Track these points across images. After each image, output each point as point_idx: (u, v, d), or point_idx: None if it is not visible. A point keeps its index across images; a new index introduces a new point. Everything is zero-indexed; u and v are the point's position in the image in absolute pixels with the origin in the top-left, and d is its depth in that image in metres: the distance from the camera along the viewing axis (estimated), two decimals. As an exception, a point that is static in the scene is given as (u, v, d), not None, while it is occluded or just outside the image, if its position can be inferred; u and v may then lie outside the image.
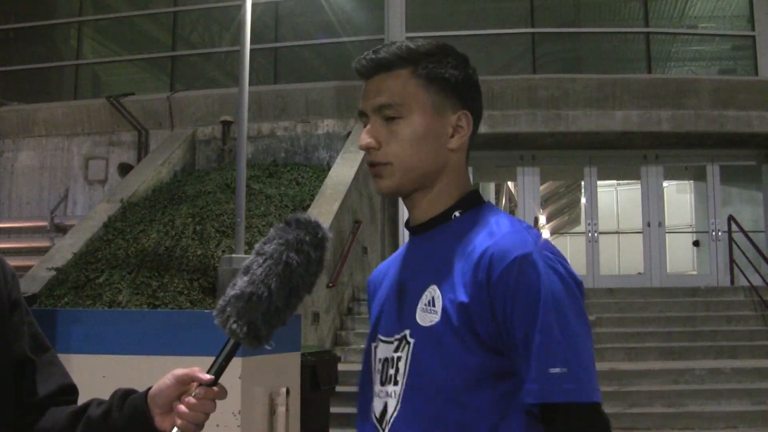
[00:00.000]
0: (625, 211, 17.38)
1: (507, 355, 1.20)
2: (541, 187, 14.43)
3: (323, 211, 9.03)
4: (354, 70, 1.35)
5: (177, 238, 9.03)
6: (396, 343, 1.30)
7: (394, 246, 11.60)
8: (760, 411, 7.22)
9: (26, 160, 13.03)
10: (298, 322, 5.67)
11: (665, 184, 12.92)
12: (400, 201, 1.37)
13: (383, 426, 1.30)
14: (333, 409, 6.14)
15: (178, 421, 1.22)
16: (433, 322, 1.24)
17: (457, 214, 1.33)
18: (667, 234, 12.07)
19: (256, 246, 1.23)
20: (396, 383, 1.28)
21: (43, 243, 11.82)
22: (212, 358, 1.24)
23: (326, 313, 8.72)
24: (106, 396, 1.33)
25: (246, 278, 1.20)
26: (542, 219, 17.73)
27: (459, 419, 1.20)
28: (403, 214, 11.41)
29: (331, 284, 8.75)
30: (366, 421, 1.35)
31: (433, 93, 1.31)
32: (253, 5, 9.04)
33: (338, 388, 6.28)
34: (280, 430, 4.22)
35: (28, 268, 9.39)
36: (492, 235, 1.25)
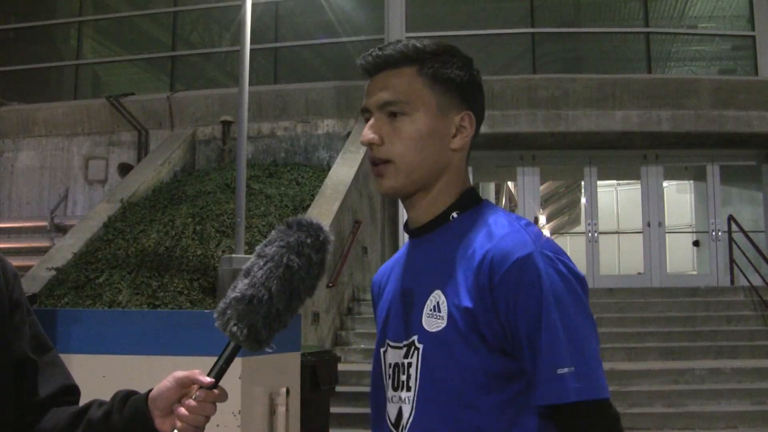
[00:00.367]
0: (625, 211, 17.38)
1: (514, 356, 1.21)
2: (541, 187, 14.43)
3: (323, 211, 9.03)
4: (359, 67, 1.35)
5: (177, 238, 9.03)
6: (405, 348, 1.31)
7: (394, 246, 11.60)
8: (760, 411, 7.22)
9: (26, 160, 13.03)
10: (298, 322, 5.67)
11: (665, 184, 12.92)
12: (399, 198, 1.37)
13: (399, 431, 1.30)
14: (333, 409, 6.13)
15: (178, 424, 1.22)
16: (439, 328, 1.25)
17: (455, 215, 1.33)
18: (667, 234, 12.07)
19: (257, 248, 1.23)
20: (409, 389, 1.29)
21: (43, 243, 11.82)
22: (212, 359, 1.23)
23: (326, 313, 8.72)
24: (106, 396, 1.33)
25: (247, 281, 1.19)
26: (542, 219, 17.73)
27: (474, 422, 1.21)
28: (404, 214, 11.39)
29: (331, 284, 8.75)
30: (381, 426, 1.36)
31: (438, 92, 1.31)
32: (253, 5, 9.04)
33: (338, 388, 6.28)
34: (280, 430, 4.22)
35: (28, 268, 9.39)
36: (491, 236, 1.26)
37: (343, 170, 10.19)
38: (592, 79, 11.34)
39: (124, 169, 12.24)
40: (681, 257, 14.91)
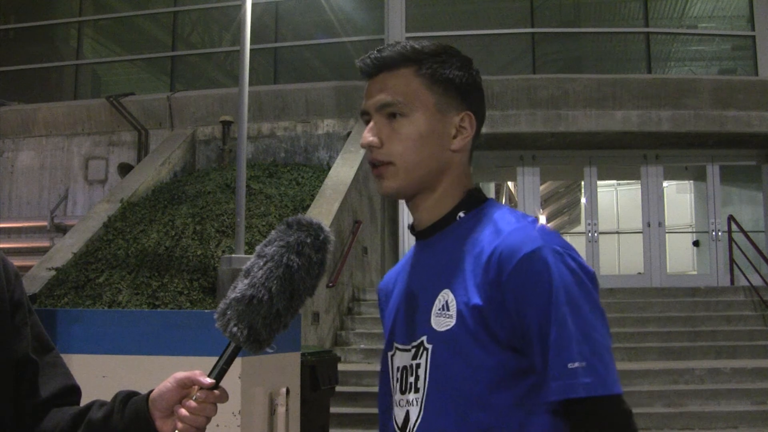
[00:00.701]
0: (625, 211, 17.38)
1: (524, 352, 1.20)
2: (541, 187, 14.43)
3: (323, 211, 9.03)
4: (358, 69, 1.35)
5: (177, 238, 9.03)
6: (413, 350, 1.30)
7: (394, 246, 11.60)
8: (760, 411, 7.22)
9: (26, 160, 13.03)
10: (298, 322, 5.67)
11: (665, 184, 12.93)
12: (401, 201, 1.37)
13: None
14: (333, 409, 6.13)
15: (179, 425, 1.22)
16: (449, 327, 1.24)
17: (461, 214, 1.33)
18: (667, 234, 12.08)
19: (257, 248, 1.22)
20: (417, 390, 1.28)
21: (43, 243, 11.83)
22: (212, 359, 1.23)
23: (326, 313, 8.72)
24: (106, 396, 1.33)
25: (247, 281, 1.19)
26: (542, 219, 17.73)
27: (483, 421, 1.19)
28: (404, 214, 11.41)
29: (331, 284, 8.75)
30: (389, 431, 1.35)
31: (437, 93, 1.31)
32: (253, 5, 9.03)
33: (338, 388, 6.28)
34: (280, 430, 4.22)
35: (28, 268, 9.39)
36: (499, 233, 1.25)
37: (343, 170, 10.19)
38: (592, 79, 11.34)
39: (124, 169, 12.24)
40: (681, 257, 14.91)
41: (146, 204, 10.38)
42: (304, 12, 13.27)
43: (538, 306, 1.17)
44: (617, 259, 16.71)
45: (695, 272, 13.78)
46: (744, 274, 10.51)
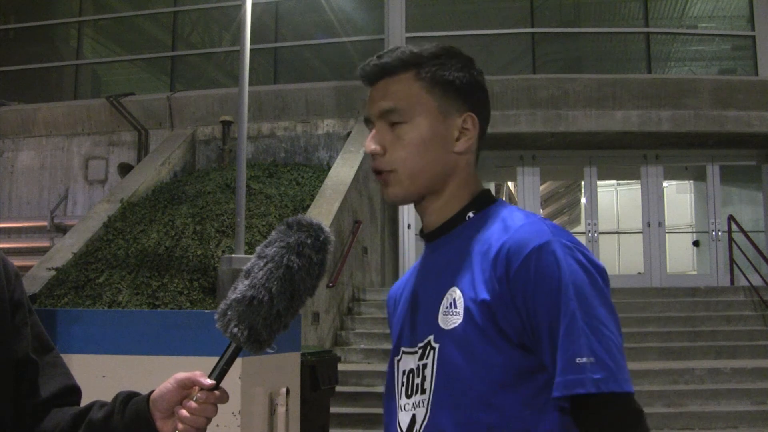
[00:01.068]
0: (625, 211, 17.39)
1: (533, 349, 1.17)
2: (541, 187, 14.43)
3: (323, 211, 9.04)
4: (359, 77, 1.34)
5: (177, 238, 9.03)
6: (420, 351, 1.28)
7: (394, 246, 11.60)
8: (760, 411, 7.22)
9: (26, 160, 13.03)
10: (298, 322, 5.67)
11: (665, 184, 12.93)
12: (407, 205, 1.36)
13: None
14: (333, 409, 6.14)
15: (180, 425, 1.22)
16: (456, 324, 1.22)
17: (471, 214, 1.32)
18: (667, 234, 12.08)
19: (258, 249, 1.22)
20: (423, 392, 1.26)
21: (43, 243, 11.83)
22: (213, 359, 1.23)
23: (326, 313, 8.72)
24: (106, 396, 1.33)
25: (247, 282, 1.19)
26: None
27: (490, 421, 1.17)
28: (404, 214, 11.41)
29: (331, 284, 8.75)
30: None
31: (438, 96, 1.30)
32: (253, 5, 9.03)
33: (338, 388, 6.28)
34: (280, 430, 4.22)
35: (28, 268, 9.39)
36: (507, 229, 1.24)
37: (343, 170, 10.19)
38: (592, 79, 11.34)
39: (124, 169, 12.24)
40: (681, 257, 14.92)
41: (146, 204, 10.38)
42: (304, 12, 13.28)
43: (546, 300, 1.15)
44: (617, 259, 16.71)
45: (695, 272, 13.78)
46: (744, 274, 10.51)
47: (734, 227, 10.91)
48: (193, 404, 1.21)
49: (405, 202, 1.33)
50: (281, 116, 12.11)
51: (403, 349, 1.35)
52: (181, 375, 1.23)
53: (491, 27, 12.75)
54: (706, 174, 12.03)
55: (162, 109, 12.55)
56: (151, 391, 1.26)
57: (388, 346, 1.43)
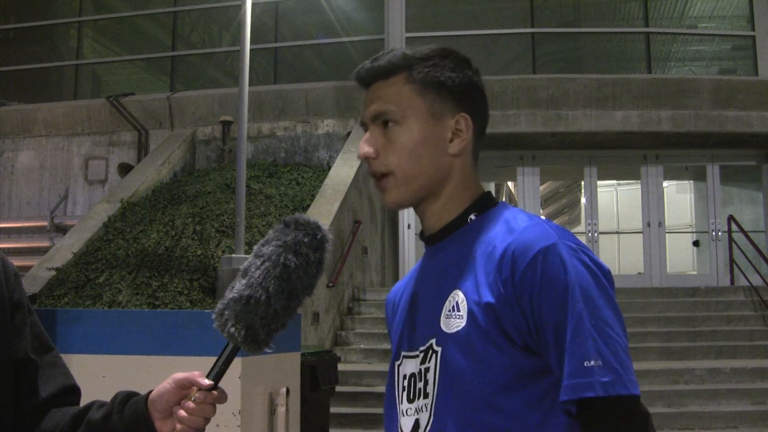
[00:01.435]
0: (625, 211, 17.39)
1: (538, 352, 1.16)
2: (541, 187, 14.44)
3: (323, 211, 9.03)
4: (355, 81, 1.34)
5: (177, 238, 9.03)
6: (422, 354, 1.27)
7: (394, 246, 11.60)
8: (760, 411, 7.22)
9: (26, 160, 13.04)
10: (298, 322, 5.67)
11: (665, 184, 12.93)
12: (405, 209, 1.35)
13: None
14: (333, 409, 6.14)
15: (178, 426, 1.22)
16: (459, 327, 1.20)
17: (472, 217, 1.31)
18: (667, 234, 12.08)
19: (255, 248, 1.21)
20: (426, 396, 1.24)
21: (43, 243, 11.83)
22: (212, 359, 1.23)
23: (326, 313, 8.72)
24: (105, 396, 1.33)
25: (244, 281, 1.18)
26: (542, 219, 17.69)
27: (496, 424, 1.16)
28: (404, 214, 11.41)
29: (331, 284, 8.75)
30: None
31: (429, 98, 1.29)
32: (253, 5, 9.04)
33: (338, 388, 6.28)
34: (280, 430, 4.22)
35: (28, 268, 9.39)
36: (512, 231, 1.22)
37: (343, 170, 10.19)
38: (592, 79, 11.34)
39: (124, 169, 12.24)
40: (681, 257, 14.92)
41: (146, 204, 10.39)
42: (304, 12, 13.28)
43: (553, 303, 1.14)
44: (617, 259, 16.71)
45: (695, 272, 13.78)
46: (744, 274, 10.51)
47: (734, 227, 10.90)
48: (191, 404, 1.21)
49: (403, 206, 1.31)
50: (281, 116, 12.11)
51: (403, 353, 1.33)
52: (179, 375, 1.23)
53: (491, 27, 12.75)
54: (706, 174, 12.03)
55: (162, 109, 12.55)
56: (150, 392, 1.26)
57: (388, 346, 1.42)
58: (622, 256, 16.66)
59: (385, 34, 12.05)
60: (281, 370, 4.41)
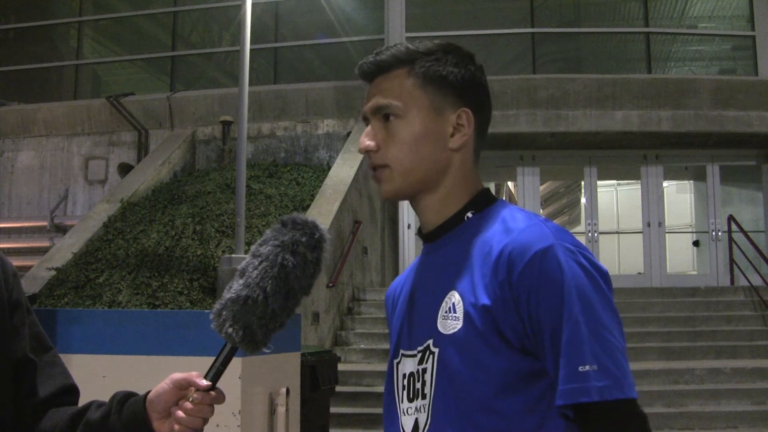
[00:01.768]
0: (625, 211, 17.39)
1: (535, 354, 1.16)
2: (541, 187, 14.44)
3: (323, 211, 9.03)
4: (357, 75, 1.34)
5: (177, 238, 9.03)
6: (420, 355, 1.26)
7: (394, 246, 11.60)
8: (760, 411, 7.22)
9: (26, 160, 13.04)
10: (298, 322, 5.67)
11: (665, 184, 12.93)
12: (401, 201, 1.35)
13: None
14: (333, 409, 6.14)
15: (176, 426, 1.21)
16: (455, 329, 1.20)
17: (470, 215, 1.30)
18: (667, 234, 12.08)
19: (252, 247, 1.21)
20: (424, 397, 1.24)
21: (43, 243, 11.83)
22: (212, 359, 1.23)
23: (326, 313, 8.72)
24: (105, 396, 1.33)
25: (241, 281, 1.18)
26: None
27: (494, 426, 1.16)
28: (404, 214, 11.41)
29: (331, 284, 8.75)
30: None
31: (431, 92, 1.29)
32: (253, 5, 9.04)
33: (338, 388, 6.28)
34: (280, 430, 4.22)
35: (28, 268, 9.39)
36: (509, 231, 1.21)
37: (343, 170, 10.19)
38: (592, 79, 11.34)
39: (124, 169, 12.24)
40: (681, 257, 14.92)
41: (146, 204, 10.39)
42: (304, 12, 13.28)
43: (549, 306, 1.13)
44: (617, 259, 16.71)
45: (695, 272, 13.78)
46: (744, 274, 10.51)
47: (734, 227, 10.91)
48: (189, 405, 1.20)
49: (398, 198, 1.31)
50: (281, 116, 12.11)
51: (402, 351, 1.33)
52: (177, 375, 1.23)
53: (491, 27, 12.75)
54: (706, 174, 12.03)
55: (162, 109, 12.55)
56: (148, 392, 1.26)
57: (388, 346, 1.42)
58: (622, 256, 16.66)
59: (385, 34, 12.05)
60: (281, 370, 4.41)
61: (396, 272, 11.50)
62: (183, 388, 1.22)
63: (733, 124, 11.10)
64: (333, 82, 12.08)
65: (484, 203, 1.31)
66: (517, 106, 11.15)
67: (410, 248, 11.51)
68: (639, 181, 12.16)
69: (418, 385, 1.26)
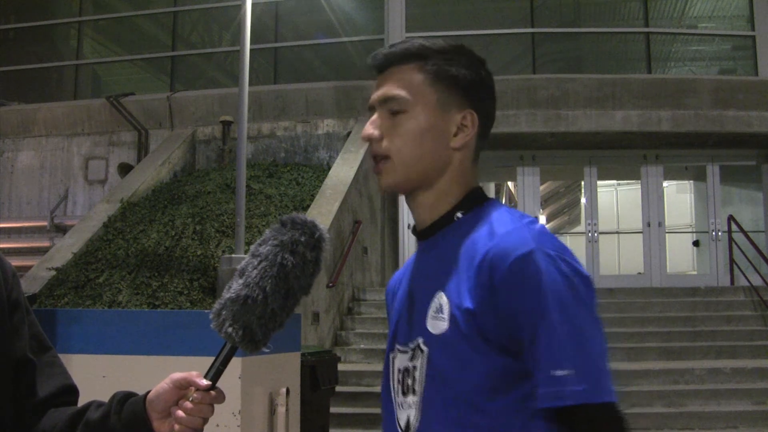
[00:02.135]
0: (625, 211, 17.39)
1: (519, 356, 1.17)
2: (541, 187, 14.43)
3: (323, 211, 9.03)
4: (368, 65, 1.37)
5: (177, 238, 9.03)
6: (411, 352, 1.29)
7: (394, 246, 11.60)
8: (760, 411, 7.22)
9: (26, 160, 13.04)
10: (298, 322, 5.67)
11: (665, 184, 12.93)
12: (401, 201, 1.37)
13: None
14: (333, 409, 6.14)
15: (176, 426, 1.21)
16: (442, 330, 1.22)
17: (459, 215, 1.32)
18: (667, 234, 12.07)
19: (252, 247, 1.22)
20: (414, 392, 1.27)
21: (43, 243, 11.83)
22: (212, 359, 1.23)
23: (326, 313, 8.72)
24: (105, 396, 1.33)
25: (241, 281, 1.18)
26: (542, 219, 17.72)
27: (480, 425, 1.18)
28: (404, 214, 11.41)
29: (331, 284, 8.75)
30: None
31: (439, 90, 1.31)
32: (253, 5, 9.04)
33: (338, 388, 6.28)
34: (280, 430, 4.22)
35: (28, 268, 9.39)
36: (492, 235, 1.23)
37: (343, 170, 10.19)
38: (592, 79, 11.34)
39: (124, 169, 12.24)
40: (681, 257, 14.92)
41: (146, 204, 10.38)
42: (304, 12, 13.27)
43: (528, 311, 1.15)
44: (617, 259, 16.71)
45: (695, 272, 13.78)
46: (744, 274, 10.51)
47: (734, 227, 10.91)
48: (189, 405, 1.21)
49: (397, 191, 1.33)
50: (281, 116, 12.11)
51: (397, 346, 1.36)
52: (177, 375, 1.23)
53: (491, 27, 12.75)
54: (706, 174, 12.03)
55: (162, 109, 12.55)
56: (148, 392, 1.26)
57: (388, 345, 1.44)
58: (622, 256, 16.65)
59: (385, 34, 12.05)
60: (281, 370, 4.41)
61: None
62: (183, 387, 1.22)
63: (733, 124, 11.10)
64: (333, 82, 12.08)
65: (474, 203, 1.33)
66: (517, 106, 11.15)
67: (410, 248, 11.51)
68: (639, 181, 12.16)
69: (409, 382, 1.29)
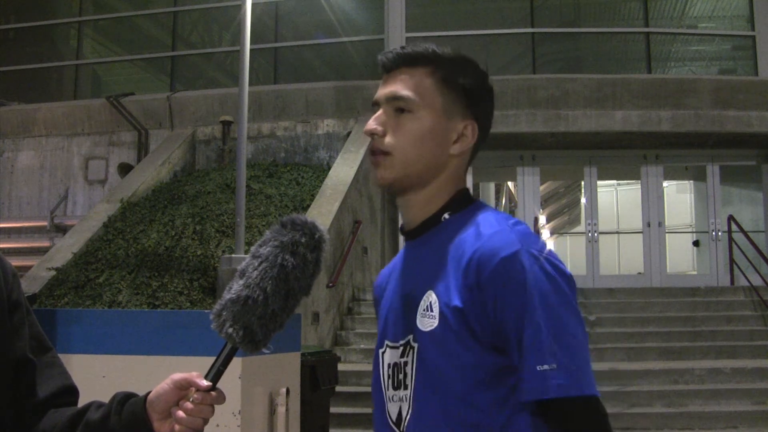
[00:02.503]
0: (625, 211, 17.40)
1: (505, 352, 1.23)
2: (541, 187, 14.43)
3: (323, 211, 9.03)
4: (378, 63, 1.40)
5: (177, 238, 9.03)
6: (402, 348, 1.34)
7: (394, 246, 11.60)
8: (760, 411, 7.22)
9: (26, 160, 13.04)
10: (298, 322, 5.67)
11: (665, 184, 12.93)
12: (393, 193, 1.39)
13: (401, 429, 1.33)
14: (333, 409, 6.14)
15: (177, 427, 1.22)
16: (432, 327, 1.27)
17: (446, 216, 1.36)
18: (667, 234, 12.08)
19: (252, 248, 1.23)
20: (406, 387, 1.32)
21: (43, 243, 11.83)
22: (212, 359, 1.23)
23: (326, 313, 8.72)
24: (105, 396, 1.33)
25: (241, 282, 1.19)
26: (542, 219, 17.73)
27: (471, 419, 1.23)
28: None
29: (331, 284, 8.75)
30: (383, 425, 1.38)
31: (446, 96, 1.36)
32: (253, 5, 9.04)
33: (338, 388, 6.28)
34: (280, 430, 4.22)
35: (28, 268, 9.39)
36: (479, 236, 1.28)
37: (343, 170, 10.19)
38: (592, 79, 11.34)
39: (124, 169, 12.24)
40: (681, 257, 14.92)
41: (146, 204, 10.39)
42: (304, 12, 13.28)
43: (514, 309, 1.20)
44: (617, 259, 16.72)
45: (695, 272, 13.78)
46: (744, 274, 10.51)
47: (734, 227, 10.91)
48: (189, 405, 1.21)
49: (393, 187, 1.36)
50: (281, 116, 12.11)
51: (387, 342, 1.39)
52: (177, 376, 1.23)
53: (491, 27, 12.75)
54: (706, 174, 12.03)
55: (162, 109, 12.55)
56: (148, 392, 1.26)
57: (388, 346, 1.45)
58: (622, 256, 16.66)
59: (385, 34, 12.05)
60: (281, 370, 4.41)
61: (396, 272, 11.48)
62: (183, 388, 1.23)
63: (733, 124, 11.10)
64: (333, 82, 12.08)
65: (461, 204, 1.38)
66: (517, 106, 11.15)
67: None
68: (639, 181, 12.16)
69: (401, 377, 1.33)
